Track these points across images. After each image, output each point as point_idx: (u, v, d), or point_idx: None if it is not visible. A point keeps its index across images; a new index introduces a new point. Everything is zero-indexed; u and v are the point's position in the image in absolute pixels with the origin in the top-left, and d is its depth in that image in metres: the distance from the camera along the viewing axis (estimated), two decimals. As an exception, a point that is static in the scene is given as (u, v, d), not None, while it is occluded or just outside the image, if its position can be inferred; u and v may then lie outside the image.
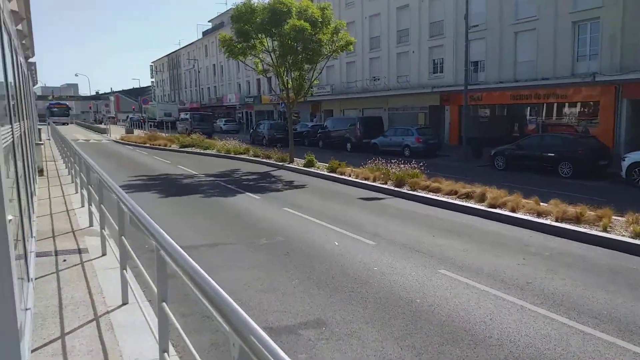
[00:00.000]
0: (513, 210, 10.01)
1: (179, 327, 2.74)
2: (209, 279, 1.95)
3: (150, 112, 62.47)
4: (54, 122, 55.09)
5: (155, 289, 3.10)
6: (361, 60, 38.95)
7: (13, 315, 2.39)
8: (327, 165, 17.39)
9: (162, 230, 2.78)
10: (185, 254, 2.32)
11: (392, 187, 13.48)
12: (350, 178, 15.39)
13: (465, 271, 6.67)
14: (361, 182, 14.65)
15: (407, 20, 34.34)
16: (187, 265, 2.17)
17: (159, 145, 29.33)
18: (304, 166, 18.33)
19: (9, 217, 2.52)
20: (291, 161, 19.78)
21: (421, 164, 14.72)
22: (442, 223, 9.75)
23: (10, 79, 4.56)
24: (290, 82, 19.63)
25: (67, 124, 70.87)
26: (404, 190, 13.03)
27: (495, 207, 10.40)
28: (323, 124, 33.81)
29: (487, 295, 5.81)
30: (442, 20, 31.59)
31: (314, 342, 4.53)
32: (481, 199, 11.07)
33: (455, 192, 11.94)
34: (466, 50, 23.59)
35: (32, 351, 3.52)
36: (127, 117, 72.15)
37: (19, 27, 7.51)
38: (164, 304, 2.93)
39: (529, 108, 27.70)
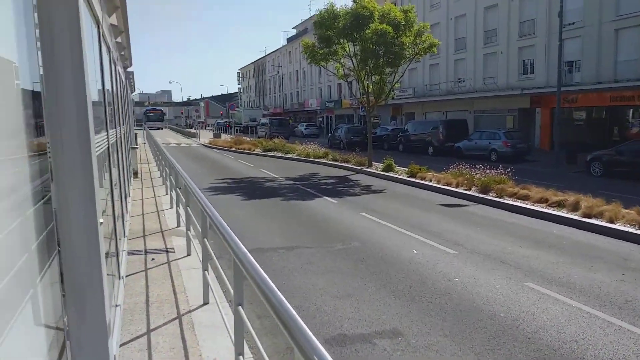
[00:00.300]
0: (611, 221, 9.15)
1: (253, 332, 2.77)
2: (279, 294, 1.93)
3: (236, 117, 65.59)
4: (149, 127, 58.52)
5: (232, 292, 3.17)
6: (445, 62, 37.90)
7: (103, 311, 2.54)
8: (407, 169, 17.05)
9: (238, 240, 2.84)
10: (257, 265, 2.34)
11: (477, 194, 12.90)
12: (431, 183, 14.96)
13: (555, 285, 6.18)
14: (443, 188, 14.18)
15: (495, 20, 32.93)
16: (258, 277, 2.18)
17: (244, 149, 30.51)
18: (382, 170, 18.12)
19: (100, 219, 2.69)
20: (369, 165, 19.64)
21: (508, 169, 13.97)
22: (530, 233, 9.14)
23: (108, 87, 4.93)
24: (371, 86, 19.54)
25: (162, 128, 74.47)
26: (490, 197, 12.42)
27: (590, 217, 9.57)
28: (404, 127, 33.28)
29: (579, 312, 5.34)
30: (534, 19, 29.93)
31: (390, 353, 4.41)
32: (574, 207, 10.24)
33: (546, 200, 11.16)
34: (560, 50, 22.04)
35: (121, 345, 3.74)
36: (215, 122, 76.08)
37: (118, 39, 8.14)
38: (240, 307, 2.99)
39: (631, 110, 25.31)
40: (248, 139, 36.81)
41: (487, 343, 4.62)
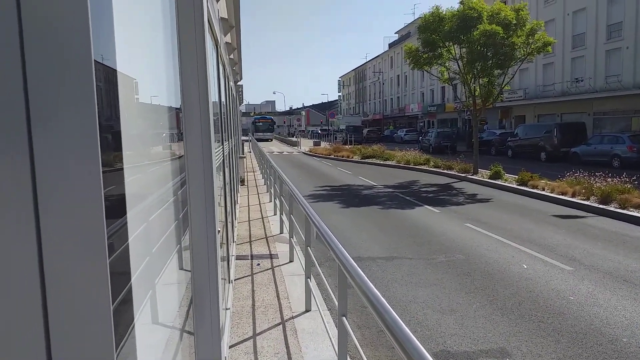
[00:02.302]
0: None
1: (357, 343, 2.81)
2: (389, 307, 1.94)
3: (336, 125, 66.85)
4: (257, 139, 52.30)
5: (335, 302, 3.24)
6: (561, 61, 35.18)
7: (217, 314, 2.74)
8: (517, 177, 16.07)
9: (344, 250, 2.89)
10: (364, 276, 2.37)
11: (596, 204, 11.78)
12: (543, 192, 13.95)
13: (694, 313, 5.44)
14: (557, 198, 13.15)
15: (621, 13, 29.89)
16: (366, 288, 2.21)
17: (342, 156, 30.89)
18: (489, 178, 17.26)
19: (218, 228, 2.91)
20: (475, 172, 18.82)
21: (634, 177, 12.57)
22: (662, 251, 8.15)
23: (223, 102, 5.31)
24: (478, 89, 18.77)
25: (271, 139, 65.77)
26: (611, 208, 11.28)
27: None
28: (513, 131, 31.43)
29: None
30: (667, 8, 26.68)
31: (496, 375, 4.19)
32: None
33: (683, 214, 9.87)
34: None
35: (230, 347, 3.99)
36: (317, 130, 77.84)
37: (231, 56, 8.73)
38: (344, 318, 3.04)
39: None
40: (347, 146, 37.20)
41: (609, 372, 4.20)
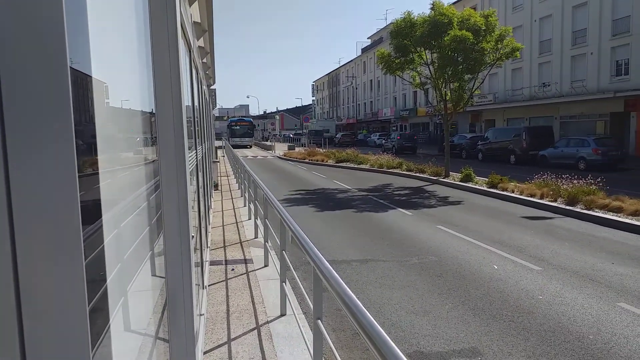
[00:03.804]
0: None
1: (332, 346, 2.82)
2: (364, 309, 1.97)
3: (312, 128, 67.00)
4: (234, 145, 47.38)
5: (311, 305, 3.25)
6: (529, 66, 36.19)
7: (191, 320, 2.72)
8: (487, 179, 16.41)
9: (319, 254, 2.91)
10: (340, 279, 2.39)
11: (563, 206, 12.14)
12: (513, 194, 14.29)
13: (655, 309, 5.67)
14: (526, 200, 13.49)
15: (585, 20, 30.99)
16: (341, 291, 2.23)
17: (317, 160, 30.95)
18: (460, 181, 17.58)
19: (192, 233, 2.89)
20: (446, 175, 19.15)
21: (599, 179, 13.00)
22: (624, 248, 8.45)
23: (196, 106, 5.27)
24: (449, 94, 19.11)
25: (250, 146, 56.93)
26: (578, 209, 11.64)
27: (699, 234, 8.67)
28: (483, 134, 32.13)
29: (686, 342, 4.84)
30: (629, 16, 27.80)
31: (468, 374, 4.27)
32: (679, 223, 9.32)
33: (644, 214, 10.26)
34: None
35: (204, 353, 3.96)
36: (289, 134, 77.80)
37: (204, 60, 8.67)
38: (319, 321, 3.06)
39: None
40: (321, 150, 37.34)
41: (576, 368, 4.33)
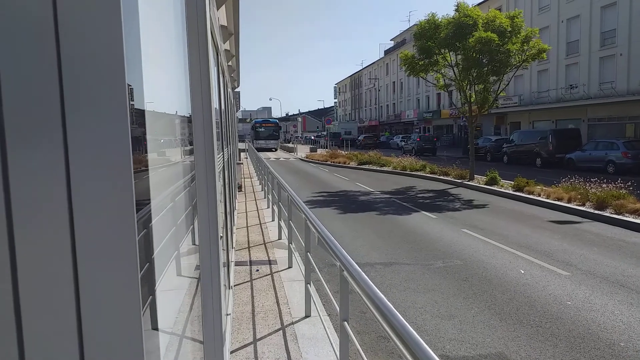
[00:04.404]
0: None
1: (359, 348, 2.83)
2: (396, 312, 1.97)
3: (332, 131, 66.99)
4: (258, 148, 44.14)
5: (337, 307, 3.26)
6: (555, 68, 35.47)
7: (219, 319, 2.76)
8: (513, 183, 16.16)
9: (347, 255, 2.91)
10: (369, 281, 2.39)
11: (592, 210, 11.87)
12: (539, 198, 14.03)
13: (690, 318, 5.49)
14: (553, 203, 13.23)
15: (614, 20, 30.22)
16: (372, 293, 2.23)
17: (339, 162, 30.92)
18: (485, 184, 17.34)
19: (220, 234, 2.93)
20: (471, 178, 18.91)
21: (629, 183, 12.68)
22: (658, 256, 8.22)
23: (223, 109, 5.35)
24: (473, 96, 18.90)
25: (276, 149, 52.14)
26: (607, 213, 11.36)
27: None
28: (509, 137, 31.64)
29: None
30: (660, 16, 26.98)
31: (495, 380, 4.22)
32: None
33: (677, 219, 9.96)
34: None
35: (231, 352, 4.00)
36: (310, 137, 78.06)
37: (230, 63, 8.78)
38: (346, 323, 3.07)
39: None
40: (343, 152, 37.32)
41: (608, 377, 4.24)
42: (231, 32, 6.50)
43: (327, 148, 48.62)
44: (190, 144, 2.28)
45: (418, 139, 40.66)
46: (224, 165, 4.80)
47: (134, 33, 0.89)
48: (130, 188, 0.73)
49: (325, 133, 69.06)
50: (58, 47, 0.68)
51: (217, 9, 4.76)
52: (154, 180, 1.50)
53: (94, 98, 0.71)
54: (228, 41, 6.93)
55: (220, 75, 4.87)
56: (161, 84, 1.67)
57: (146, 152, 1.19)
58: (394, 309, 2.01)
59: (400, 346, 1.77)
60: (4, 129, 0.66)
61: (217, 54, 4.30)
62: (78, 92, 0.70)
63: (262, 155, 32.63)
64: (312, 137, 74.84)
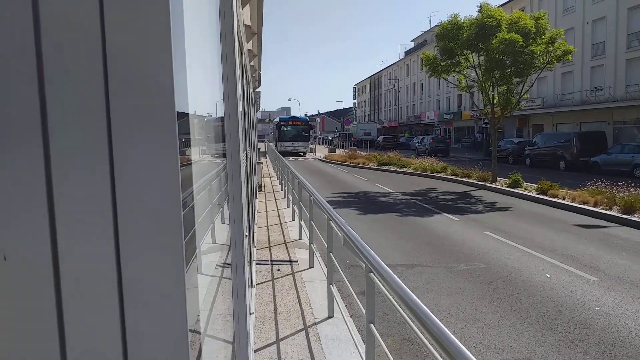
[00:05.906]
0: None
1: (386, 350, 2.78)
2: (432, 315, 1.92)
3: (351, 131, 66.78)
4: (284, 151, 39.07)
5: (362, 309, 3.21)
6: (580, 70, 34.76)
7: (245, 318, 2.73)
8: (536, 186, 15.86)
9: (376, 256, 2.86)
10: (401, 282, 2.34)
11: (619, 214, 11.56)
12: (564, 201, 13.74)
13: None
14: (578, 207, 12.94)
15: (642, 21, 29.50)
16: (404, 294, 2.18)
17: (358, 163, 30.80)
18: (508, 186, 17.06)
19: (245, 232, 2.91)
20: (493, 181, 18.63)
21: (658, 187, 12.33)
22: (690, 262, 7.94)
23: (246, 109, 5.34)
24: (496, 97, 18.62)
25: (305, 153, 43.03)
26: (635, 218, 11.06)
27: None
28: (531, 139, 31.11)
29: None
30: (690, 15, 26.22)
31: (523, 386, 4.11)
32: None
33: None
34: None
35: (254, 351, 3.98)
36: (329, 137, 78.14)
37: (252, 62, 8.80)
38: (372, 325, 3.02)
39: None
40: (362, 153, 37.18)
41: (641, 386, 4.09)
42: (254, 31, 6.49)
43: (343, 148, 48.87)
44: (218, 144, 2.26)
45: (431, 140, 41.33)
46: (247, 165, 4.80)
47: (179, 39, 0.88)
48: (177, 190, 0.71)
49: (338, 133, 70.12)
50: (105, 57, 0.67)
51: (242, 8, 4.75)
52: (193, 179, 1.49)
53: (141, 104, 0.70)
54: (251, 41, 6.93)
55: (244, 75, 4.86)
56: (198, 86, 1.65)
57: (191, 158, 1.19)
58: (429, 311, 1.95)
59: (438, 349, 1.71)
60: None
61: (242, 54, 4.29)
62: (126, 103, 0.69)
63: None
64: (330, 138, 75.39)
